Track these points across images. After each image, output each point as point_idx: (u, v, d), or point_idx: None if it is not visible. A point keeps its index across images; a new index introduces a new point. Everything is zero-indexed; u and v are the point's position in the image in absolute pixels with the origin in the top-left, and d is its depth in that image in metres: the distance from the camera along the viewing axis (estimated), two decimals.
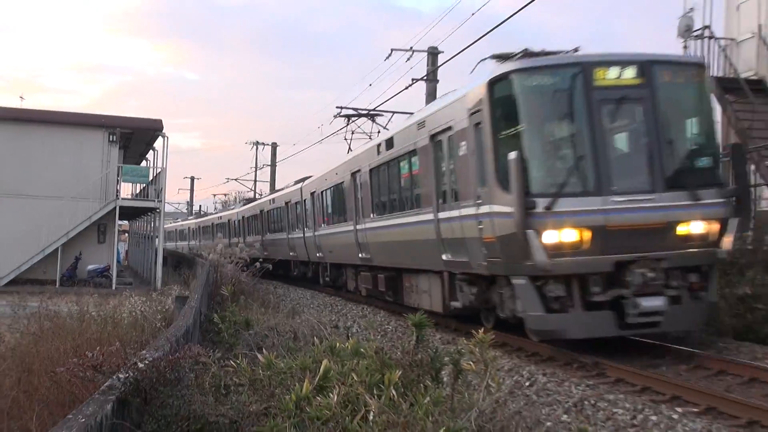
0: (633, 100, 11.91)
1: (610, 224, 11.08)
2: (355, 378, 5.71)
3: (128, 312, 11.56)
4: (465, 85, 14.11)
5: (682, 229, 11.42)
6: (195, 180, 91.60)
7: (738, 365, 10.55)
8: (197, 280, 20.80)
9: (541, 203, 11.02)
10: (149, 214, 40.77)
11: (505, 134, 12.09)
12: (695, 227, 11.50)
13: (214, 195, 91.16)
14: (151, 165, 39.94)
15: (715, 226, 11.54)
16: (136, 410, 5.32)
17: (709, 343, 12.62)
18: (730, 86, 18.08)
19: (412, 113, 21.82)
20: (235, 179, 78.01)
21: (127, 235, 59.86)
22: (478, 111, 12.55)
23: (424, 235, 15.80)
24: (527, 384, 10.84)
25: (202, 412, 5.27)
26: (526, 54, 12.71)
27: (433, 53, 30.49)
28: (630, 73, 11.69)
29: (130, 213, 41.74)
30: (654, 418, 8.56)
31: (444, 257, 14.79)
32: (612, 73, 11.68)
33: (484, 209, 12.21)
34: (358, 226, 21.61)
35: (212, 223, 57.36)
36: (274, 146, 62.21)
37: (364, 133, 30.04)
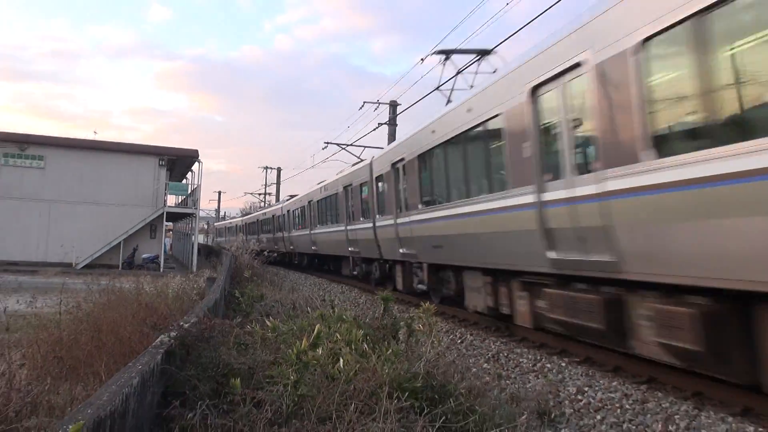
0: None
1: None
2: (339, 337, 5.68)
3: (172, 288, 11.37)
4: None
5: None
6: (221, 193, 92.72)
7: None
8: (222, 265, 20.53)
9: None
10: (188, 217, 40.65)
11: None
12: None
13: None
14: (190, 182, 40.12)
15: None
16: (180, 359, 5.23)
17: None
18: None
19: (380, 147, 22.00)
20: (251, 193, 78.12)
21: (171, 232, 59.11)
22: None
23: None
24: (459, 341, 10.85)
25: (228, 361, 5.20)
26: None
27: (393, 105, 30.54)
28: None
29: (173, 217, 41.54)
30: (548, 365, 8.60)
31: None
32: None
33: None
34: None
35: (257, 220, 44.96)
36: (278, 169, 62.26)
37: (342, 161, 30.05)
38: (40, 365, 5.80)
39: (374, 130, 31.29)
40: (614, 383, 7.41)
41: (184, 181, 42.78)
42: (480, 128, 10.10)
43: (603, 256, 6.85)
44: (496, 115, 9.29)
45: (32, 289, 9.28)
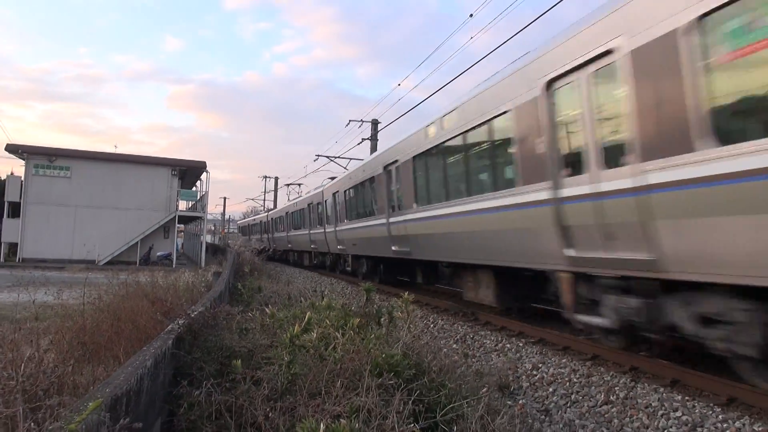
0: None
1: None
2: (328, 323, 5.62)
3: (183, 282, 11.21)
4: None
5: None
6: (226, 199, 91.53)
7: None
8: (227, 261, 20.33)
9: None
10: (197, 220, 40.17)
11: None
12: None
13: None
14: (198, 190, 39.71)
15: None
16: (188, 344, 5.15)
17: None
18: None
19: (361, 159, 22.72)
20: (252, 199, 77.42)
21: (182, 233, 58.44)
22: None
23: None
24: (432, 326, 10.85)
25: (230, 345, 5.13)
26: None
27: (374, 123, 30.53)
28: None
29: (184, 219, 41.06)
30: (508, 345, 8.64)
31: None
32: None
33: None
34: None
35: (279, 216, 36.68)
36: (276, 179, 61.74)
37: (330, 171, 30.31)
38: (66, 350, 5.66)
39: (358, 144, 31.46)
40: (564, 360, 7.45)
41: (193, 188, 42.40)
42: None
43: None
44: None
45: (59, 283, 9.07)
